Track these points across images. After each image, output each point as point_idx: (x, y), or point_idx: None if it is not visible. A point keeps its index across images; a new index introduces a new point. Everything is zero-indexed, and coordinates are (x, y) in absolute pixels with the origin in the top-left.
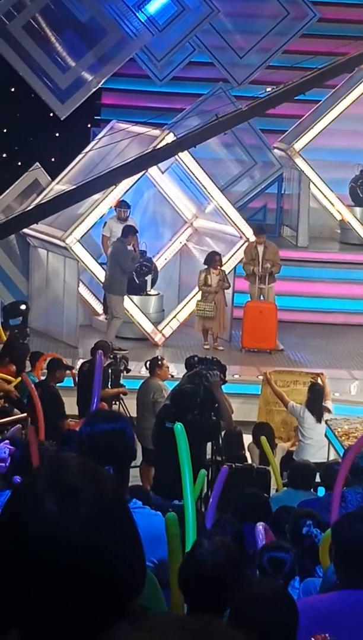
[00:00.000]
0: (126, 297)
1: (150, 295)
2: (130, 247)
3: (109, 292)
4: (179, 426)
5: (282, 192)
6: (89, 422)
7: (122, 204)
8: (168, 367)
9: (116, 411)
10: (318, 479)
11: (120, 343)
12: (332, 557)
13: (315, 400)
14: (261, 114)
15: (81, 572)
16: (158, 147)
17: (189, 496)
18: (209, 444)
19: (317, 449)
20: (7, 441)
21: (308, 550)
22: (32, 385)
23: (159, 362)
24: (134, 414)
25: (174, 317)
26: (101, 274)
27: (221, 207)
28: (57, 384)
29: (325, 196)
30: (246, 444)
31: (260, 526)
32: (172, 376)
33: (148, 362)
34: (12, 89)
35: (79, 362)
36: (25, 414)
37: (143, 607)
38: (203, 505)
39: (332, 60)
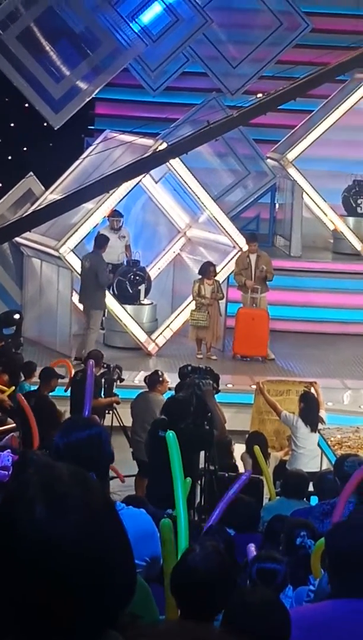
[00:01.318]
0: (119, 306)
1: (143, 304)
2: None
3: (89, 306)
4: (171, 434)
5: (275, 201)
6: (64, 433)
7: (115, 214)
8: (168, 382)
9: (89, 418)
10: (311, 488)
11: (113, 353)
12: (326, 566)
13: (309, 410)
14: (251, 120)
15: (71, 578)
16: (150, 154)
17: (181, 504)
18: (202, 453)
19: (310, 458)
20: (9, 450)
21: (302, 560)
22: (22, 396)
23: (161, 378)
24: (127, 423)
25: (168, 326)
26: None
27: (214, 216)
28: (50, 393)
29: (318, 206)
30: (237, 453)
31: (252, 547)
32: (170, 389)
33: (148, 377)
34: (6, 99)
35: (72, 371)
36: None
37: (134, 615)
38: (195, 515)
39: (318, 69)
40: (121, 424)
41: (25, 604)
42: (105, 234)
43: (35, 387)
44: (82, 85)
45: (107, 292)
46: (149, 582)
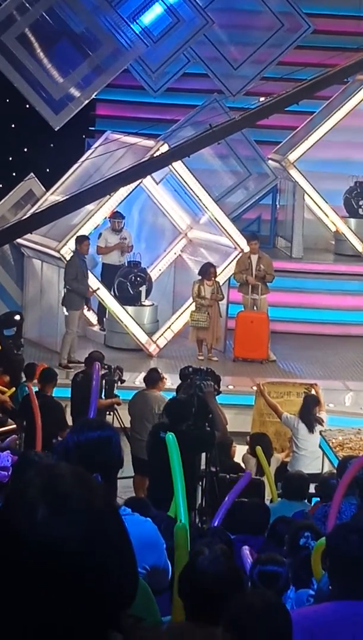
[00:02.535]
0: (120, 307)
1: (144, 305)
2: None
3: (64, 306)
4: (170, 436)
5: (277, 203)
6: (75, 431)
7: (116, 215)
8: (166, 379)
9: (102, 419)
10: (312, 490)
11: (114, 354)
12: (326, 568)
13: (307, 410)
14: (255, 123)
15: (74, 579)
16: (152, 156)
17: (182, 504)
18: (203, 455)
19: (311, 460)
20: (8, 451)
21: (305, 562)
22: (33, 393)
23: (161, 376)
24: (128, 424)
25: (169, 327)
26: (95, 284)
27: (215, 218)
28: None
29: (319, 207)
30: (238, 454)
31: (246, 550)
32: (170, 390)
33: (147, 375)
34: (7, 100)
35: (73, 373)
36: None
37: (136, 617)
38: (196, 516)
39: (324, 71)
40: (122, 425)
41: (27, 605)
42: (84, 234)
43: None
44: (82, 86)
45: (105, 293)
46: (155, 593)
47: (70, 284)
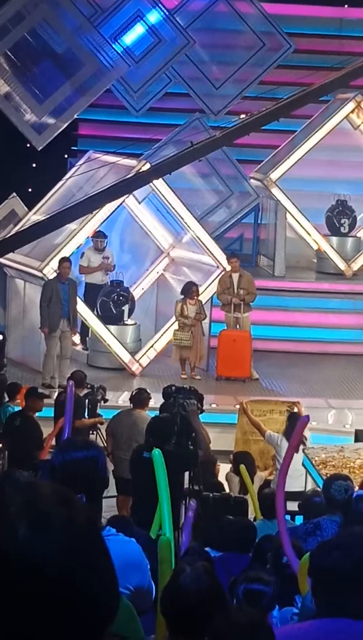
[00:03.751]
0: (103, 326)
1: (127, 325)
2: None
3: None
4: (156, 452)
5: (259, 221)
6: (61, 450)
7: (99, 234)
8: (151, 398)
9: (88, 440)
10: (296, 508)
11: (97, 373)
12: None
13: (292, 429)
14: (235, 141)
15: (54, 598)
16: (134, 174)
17: (167, 522)
18: (186, 474)
19: (295, 478)
20: None
21: (288, 580)
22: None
23: (149, 396)
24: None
25: (152, 346)
26: (78, 304)
27: (198, 237)
28: (36, 413)
29: (301, 226)
30: (222, 473)
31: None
32: (153, 409)
33: (135, 395)
34: None
35: (56, 392)
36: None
37: (120, 636)
38: (180, 536)
39: (301, 89)
40: (105, 445)
41: (7, 623)
42: (64, 256)
43: (19, 408)
44: (65, 106)
45: (88, 312)
46: (139, 613)
47: (40, 306)
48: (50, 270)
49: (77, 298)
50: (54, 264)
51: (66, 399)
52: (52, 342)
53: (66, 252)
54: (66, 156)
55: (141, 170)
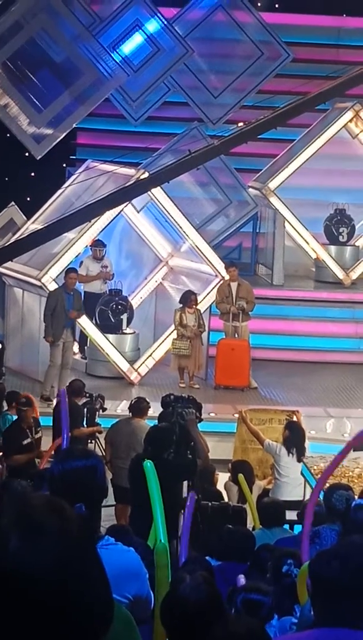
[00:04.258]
0: (101, 335)
1: (126, 333)
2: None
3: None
4: (148, 464)
5: (257, 230)
6: (60, 460)
7: (98, 243)
8: (150, 407)
9: (87, 449)
10: (294, 517)
11: (96, 382)
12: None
13: (295, 438)
14: (233, 149)
15: (47, 608)
16: (133, 183)
17: (161, 531)
18: (185, 483)
19: (293, 487)
20: None
21: (288, 589)
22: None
23: (149, 405)
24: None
25: (150, 355)
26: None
27: (196, 245)
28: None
29: (300, 235)
30: (220, 482)
31: (242, 579)
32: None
33: (134, 404)
34: None
35: (55, 401)
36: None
37: None
38: (178, 545)
39: (298, 98)
40: (104, 453)
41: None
42: (71, 267)
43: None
44: (64, 115)
45: (86, 321)
46: (139, 623)
47: (45, 315)
48: (48, 279)
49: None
50: (53, 272)
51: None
52: (57, 351)
53: (64, 261)
54: (64, 165)
55: (139, 179)
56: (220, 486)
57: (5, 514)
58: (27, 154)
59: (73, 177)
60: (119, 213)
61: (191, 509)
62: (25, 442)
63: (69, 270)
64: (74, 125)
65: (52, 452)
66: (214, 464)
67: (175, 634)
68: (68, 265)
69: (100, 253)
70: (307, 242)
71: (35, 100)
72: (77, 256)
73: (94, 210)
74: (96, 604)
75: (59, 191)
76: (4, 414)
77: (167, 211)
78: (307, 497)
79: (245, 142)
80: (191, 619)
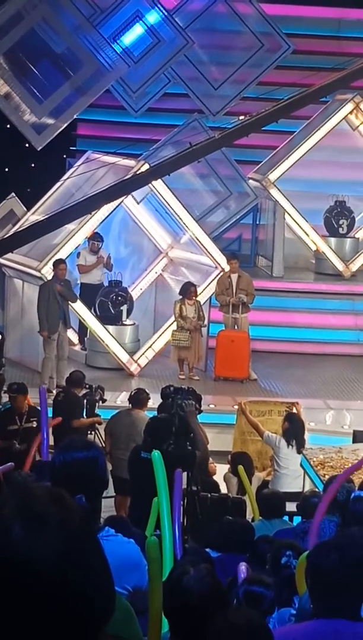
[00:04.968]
0: (101, 327)
1: (126, 325)
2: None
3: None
4: (156, 454)
5: (257, 222)
6: (62, 451)
7: (95, 237)
8: (149, 398)
9: (89, 440)
10: (294, 509)
11: (95, 373)
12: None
13: (295, 430)
14: (234, 142)
15: (49, 598)
16: (133, 175)
17: (167, 522)
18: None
19: (293, 478)
20: None
21: (286, 581)
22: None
23: (148, 396)
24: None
25: (150, 347)
26: (75, 303)
27: (196, 237)
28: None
29: (299, 227)
30: (219, 474)
31: (243, 566)
32: (152, 409)
33: (134, 395)
34: None
35: (55, 392)
36: None
37: (117, 636)
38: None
39: (301, 90)
40: (103, 445)
41: (1, 624)
42: (60, 258)
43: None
44: (64, 106)
45: (86, 312)
46: (138, 613)
47: (39, 309)
48: (48, 270)
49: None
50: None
51: (64, 398)
52: (50, 345)
53: (64, 252)
54: (64, 156)
55: (139, 171)
56: (218, 478)
57: (7, 503)
58: (27, 145)
59: (73, 168)
60: (119, 204)
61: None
62: (11, 428)
63: (59, 262)
64: (74, 117)
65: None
66: (213, 455)
67: (177, 625)
68: (68, 256)
69: (97, 246)
70: (307, 234)
71: (35, 91)
72: (76, 247)
73: (94, 203)
74: (97, 595)
75: (59, 182)
76: (5, 404)
77: (167, 203)
78: (307, 488)
79: (246, 135)
80: (194, 611)
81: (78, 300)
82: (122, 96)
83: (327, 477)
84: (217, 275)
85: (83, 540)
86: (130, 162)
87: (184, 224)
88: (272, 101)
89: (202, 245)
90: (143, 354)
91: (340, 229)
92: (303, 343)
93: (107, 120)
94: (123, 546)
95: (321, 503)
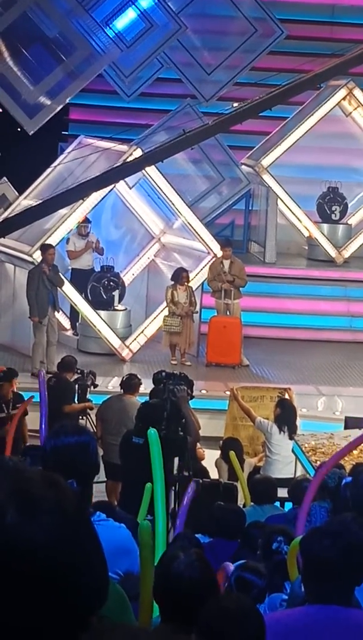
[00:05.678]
0: (93, 312)
1: (117, 310)
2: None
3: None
4: (153, 432)
5: (250, 208)
6: (53, 435)
7: (83, 219)
8: (141, 384)
9: (80, 425)
10: (285, 494)
11: (87, 358)
12: (300, 571)
13: (287, 416)
14: (228, 129)
15: (43, 582)
16: (126, 161)
17: (161, 505)
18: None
19: (284, 464)
20: None
21: (278, 566)
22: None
23: (140, 382)
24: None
25: (142, 332)
26: (67, 288)
27: (188, 223)
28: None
29: (292, 212)
30: (211, 459)
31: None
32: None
33: (126, 380)
34: None
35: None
36: None
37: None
38: (170, 521)
39: (297, 77)
40: (95, 430)
41: None
42: (49, 243)
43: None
44: (57, 90)
45: (78, 297)
46: (130, 599)
47: (28, 295)
48: (40, 255)
49: (65, 281)
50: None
51: (55, 383)
52: (40, 330)
53: (56, 237)
54: (56, 141)
55: (131, 156)
56: (209, 463)
57: (1, 488)
58: (19, 129)
59: (65, 154)
60: (111, 190)
61: (191, 497)
62: None
63: (48, 246)
64: (67, 101)
65: (18, 418)
66: (205, 441)
67: (168, 610)
68: (60, 242)
69: (85, 230)
70: (300, 220)
71: (28, 75)
72: (68, 232)
73: (87, 188)
74: (92, 579)
75: (51, 167)
76: None
77: (159, 188)
78: (298, 474)
79: (239, 122)
80: (184, 596)
81: (70, 285)
82: (114, 81)
83: (318, 463)
84: (209, 261)
85: (79, 525)
86: (122, 147)
87: (176, 209)
88: (265, 87)
89: (194, 230)
90: (135, 339)
91: (333, 215)
92: (296, 329)
93: (100, 104)
94: (114, 531)
95: (309, 488)
